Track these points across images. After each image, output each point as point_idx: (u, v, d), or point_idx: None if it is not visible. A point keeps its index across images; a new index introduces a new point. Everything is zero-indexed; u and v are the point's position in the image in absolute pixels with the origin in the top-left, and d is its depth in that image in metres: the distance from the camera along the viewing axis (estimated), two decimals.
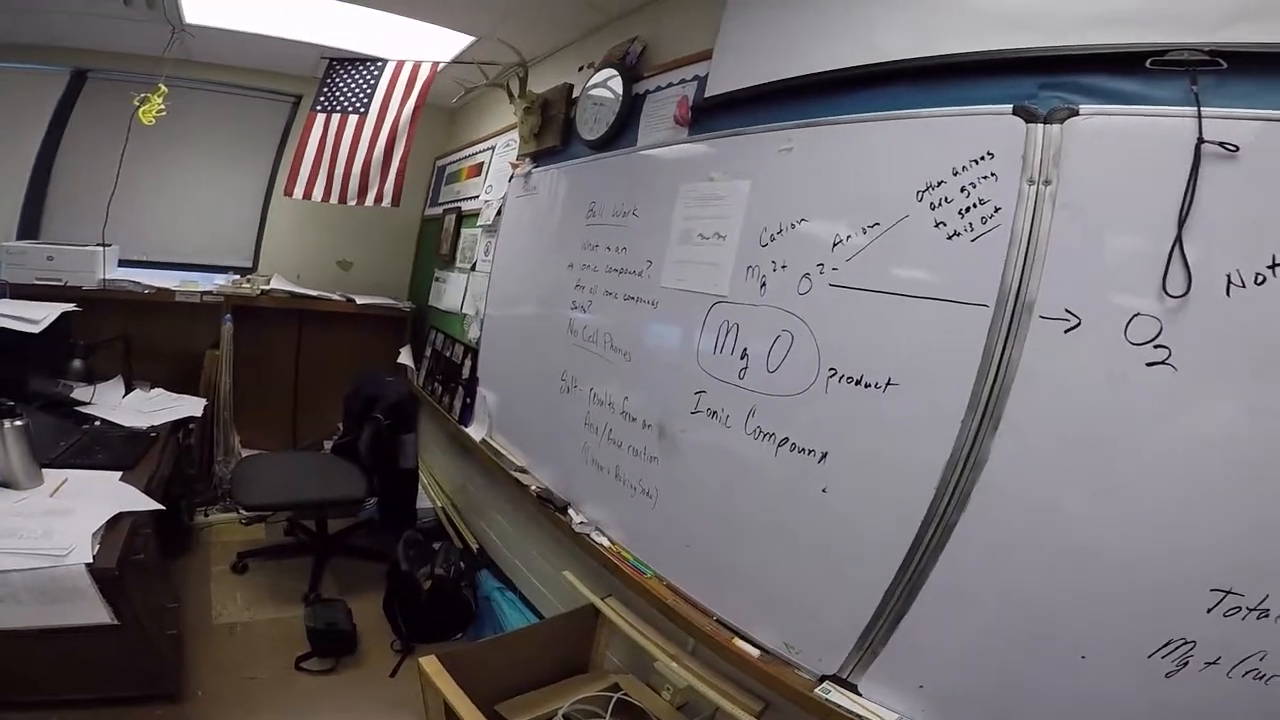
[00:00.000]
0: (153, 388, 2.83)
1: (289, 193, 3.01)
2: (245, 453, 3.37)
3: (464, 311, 3.08)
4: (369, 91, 2.85)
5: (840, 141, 1.33)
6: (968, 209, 1.09)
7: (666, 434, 1.66)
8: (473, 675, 1.37)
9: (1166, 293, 0.90)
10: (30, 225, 3.29)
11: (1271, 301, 0.83)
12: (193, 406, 2.71)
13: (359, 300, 3.58)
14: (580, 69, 2.37)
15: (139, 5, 2.51)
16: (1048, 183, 1.01)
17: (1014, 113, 1.05)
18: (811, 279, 1.33)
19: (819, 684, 1.25)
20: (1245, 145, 0.86)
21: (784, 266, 1.39)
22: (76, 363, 2.57)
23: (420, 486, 3.13)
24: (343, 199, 2.98)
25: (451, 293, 3.29)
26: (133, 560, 1.65)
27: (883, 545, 1.17)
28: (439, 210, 3.66)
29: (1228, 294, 0.86)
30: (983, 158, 1.08)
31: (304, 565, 2.71)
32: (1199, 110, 0.89)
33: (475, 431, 2.74)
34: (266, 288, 3.39)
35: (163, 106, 2.74)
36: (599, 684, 1.60)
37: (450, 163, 3.75)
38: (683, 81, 1.81)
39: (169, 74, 2.78)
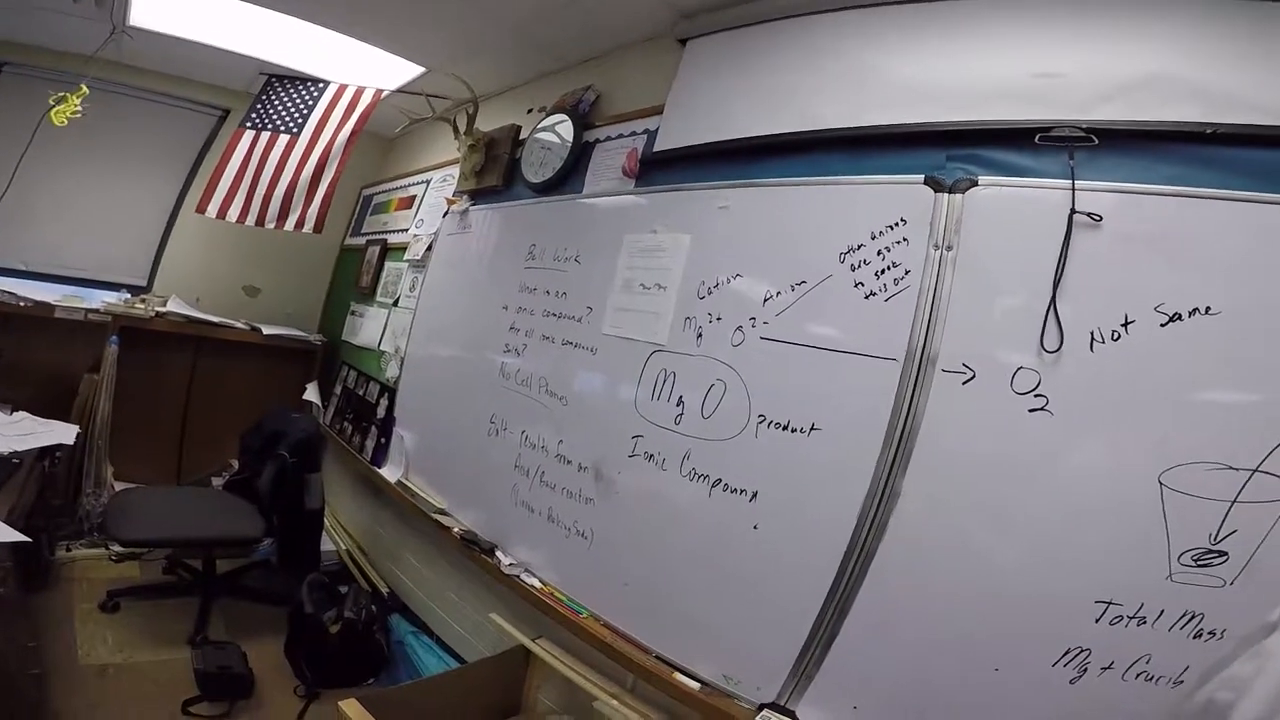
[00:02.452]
0: (14, 411, 2.51)
1: (202, 210, 2.84)
2: (119, 487, 3.01)
3: (382, 349, 2.98)
4: (305, 113, 2.78)
5: (773, 203, 1.46)
6: (883, 270, 1.23)
7: (603, 476, 1.69)
8: (396, 718, 1.29)
9: (1044, 348, 1.07)
10: None
11: (1126, 355, 1.01)
12: (62, 433, 2.42)
13: (265, 330, 3.36)
14: (529, 111, 2.43)
15: (86, 1, 2.35)
16: (950, 247, 1.17)
17: (925, 182, 1.22)
18: (744, 331, 1.44)
19: (759, 713, 1.28)
20: (1107, 214, 1.04)
21: (719, 319, 1.49)
22: None
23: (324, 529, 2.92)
24: (260, 221, 2.84)
25: (369, 328, 3.18)
26: None
27: (811, 575, 1.25)
28: (361, 240, 3.56)
29: (1091, 349, 1.03)
30: (897, 224, 1.23)
31: (187, 606, 2.44)
32: (1073, 182, 1.06)
33: (390, 473, 2.63)
34: (162, 310, 3.12)
35: (79, 108, 2.53)
36: None
37: (379, 193, 3.67)
38: (633, 134, 1.90)
39: (95, 75, 2.59)
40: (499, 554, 1.98)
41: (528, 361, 2.01)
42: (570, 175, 2.08)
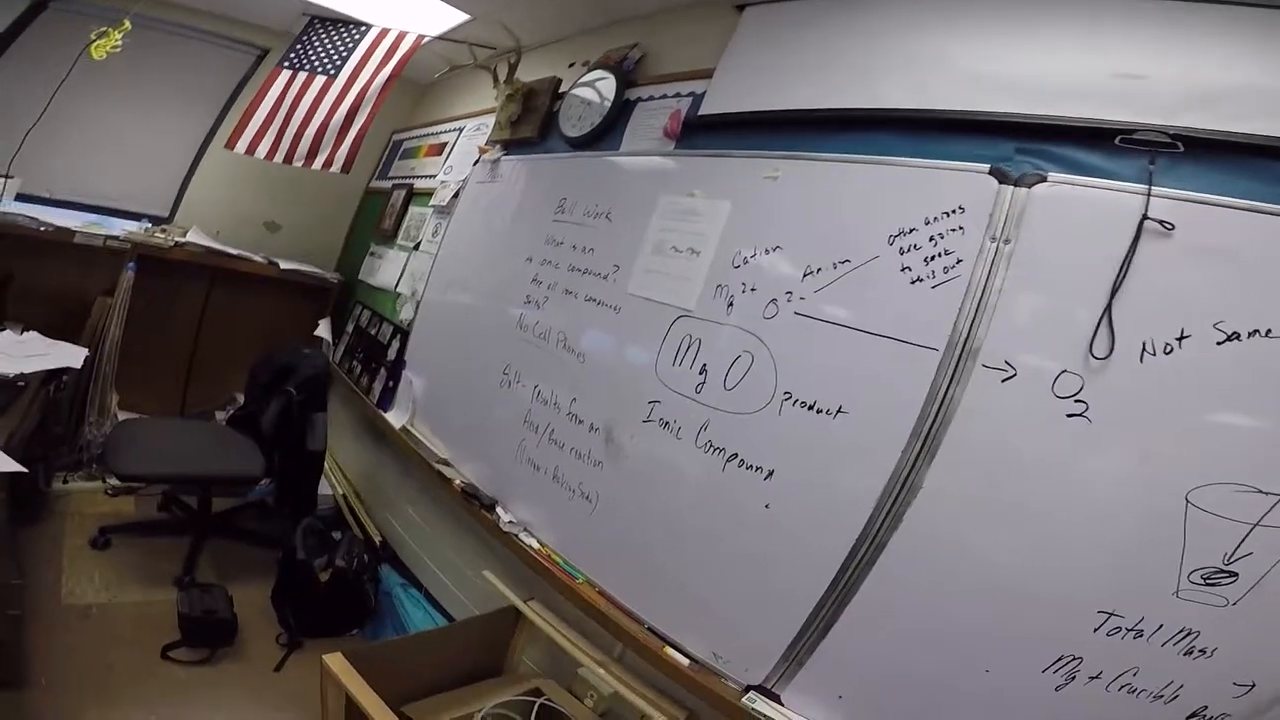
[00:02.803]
0: (25, 330, 2.49)
1: (232, 145, 2.81)
2: (123, 416, 3.01)
3: (399, 290, 2.95)
4: (344, 55, 2.75)
5: (825, 177, 1.41)
6: (933, 257, 1.19)
7: (614, 439, 1.66)
8: (380, 674, 1.30)
9: (1092, 354, 1.03)
10: None
11: (1176, 369, 0.97)
12: (71, 356, 2.38)
13: (282, 265, 3.33)
14: (570, 65, 2.38)
15: None
16: (1007, 241, 1.13)
17: (990, 172, 1.17)
18: (779, 305, 1.40)
19: (744, 694, 1.28)
20: (1180, 224, 1.00)
21: (753, 289, 1.45)
22: None
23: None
24: (289, 159, 2.81)
25: (387, 270, 3.15)
26: None
27: (818, 561, 1.23)
28: (388, 184, 3.52)
29: (1141, 360, 1.00)
30: (954, 211, 1.19)
31: (178, 546, 2.41)
32: (1150, 188, 1.02)
33: (395, 418, 2.61)
34: (181, 240, 3.09)
35: (118, 43, 2.48)
36: (517, 688, 1.56)
37: (409, 138, 3.62)
38: (677, 96, 1.86)
39: (139, 10, 2.54)
40: (499, 510, 1.96)
41: (547, 315, 1.98)
42: (608, 132, 2.03)
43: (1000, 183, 1.16)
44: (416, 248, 2.95)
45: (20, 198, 2.86)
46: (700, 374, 1.49)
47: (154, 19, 2.95)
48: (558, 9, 2.39)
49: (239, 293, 3.39)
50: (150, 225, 3.16)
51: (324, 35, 2.77)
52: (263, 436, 2.59)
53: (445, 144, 3.13)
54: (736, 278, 1.48)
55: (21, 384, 2.01)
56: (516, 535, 1.86)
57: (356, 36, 2.73)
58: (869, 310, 1.27)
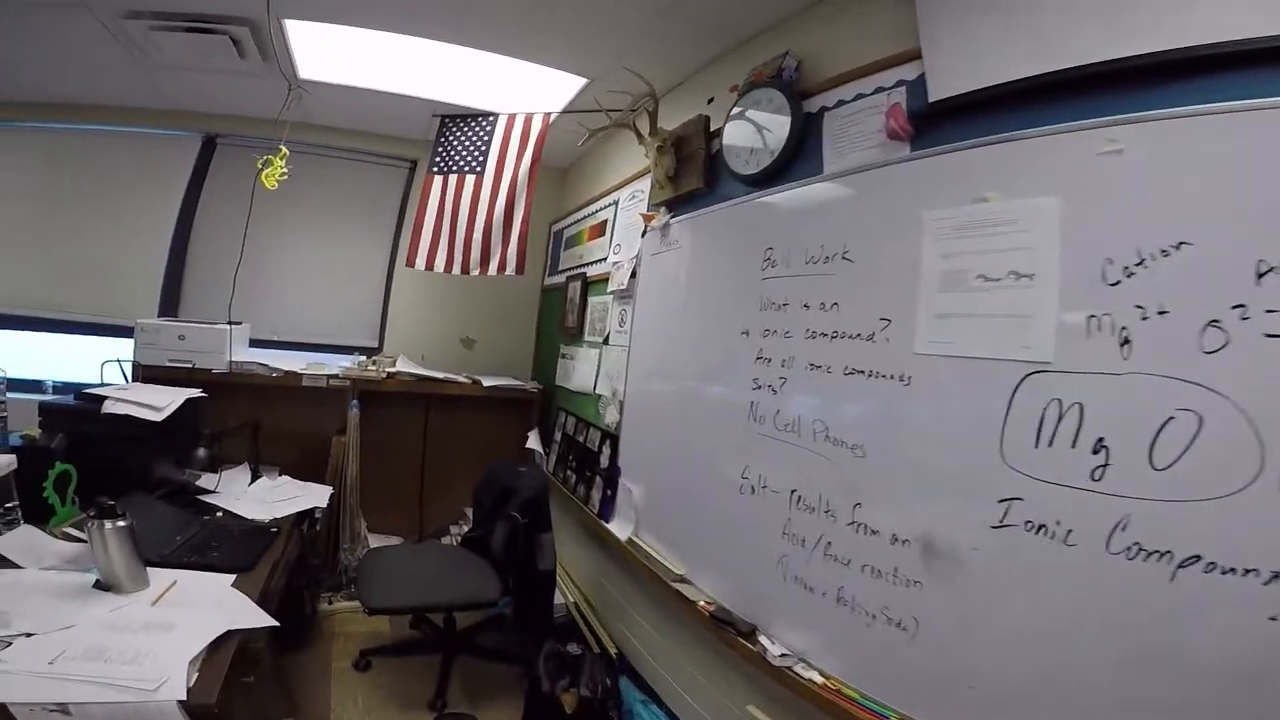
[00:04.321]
0: (281, 474, 2.71)
1: (410, 263, 2.89)
2: (372, 539, 3.21)
3: (598, 392, 2.74)
4: (483, 150, 2.76)
5: (1213, 135, 0.88)
6: None
7: (940, 554, 1.18)
8: None
9: None
10: (170, 301, 3.38)
11: None
12: (318, 496, 2.53)
13: (485, 382, 3.36)
14: (711, 101, 2.09)
15: (254, 57, 2.49)
16: None
17: None
18: (1225, 328, 0.84)
19: None
20: None
21: (1163, 312, 0.90)
22: (201, 451, 2.43)
23: None
24: (465, 269, 2.83)
25: (582, 370, 2.98)
26: (240, 684, 1.40)
27: None
28: (560, 278, 3.44)
29: None
30: None
31: (430, 664, 2.47)
32: None
33: (618, 529, 2.35)
34: (392, 370, 3.25)
35: (285, 170, 2.70)
36: None
37: (567, 226, 3.54)
38: (878, 91, 1.44)
39: (288, 138, 2.76)
40: (763, 639, 1.58)
41: (790, 400, 1.56)
42: (795, 158, 1.66)
43: None
44: (606, 341, 2.74)
45: (251, 343, 3.16)
46: (1096, 453, 0.96)
47: (304, 143, 3.19)
48: (678, 40, 2.13)
49: (452, 413, 3.49)
50: (364, 358, 3.34)
51: (459, 134, 2.80)
52: (494, 557, 2.54)
53: (605, 221, 2.96)
54: (1121, 300, 0.95)
55: (275, 529, 2.10)
56: (791, 669, 1.47)
57: (488, 128, 2.74)
58: None
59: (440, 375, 3.30)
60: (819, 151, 1.58)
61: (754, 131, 1.77)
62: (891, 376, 1.28)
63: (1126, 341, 0.93)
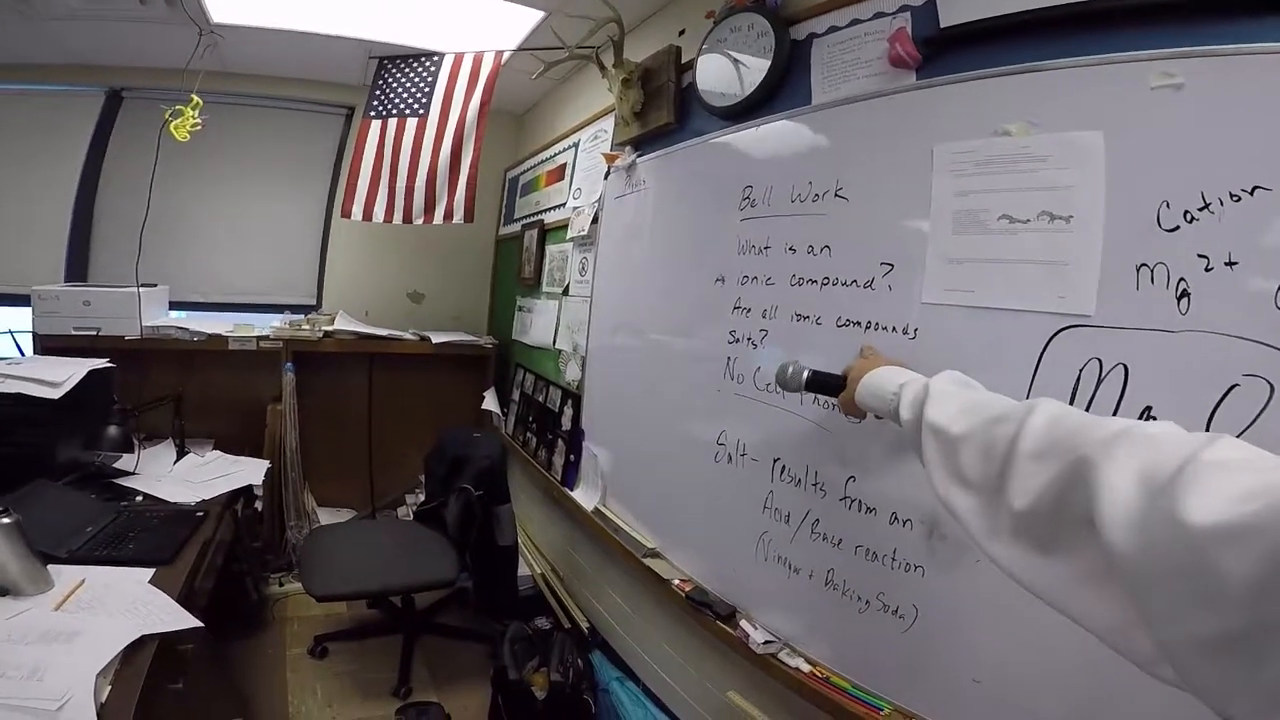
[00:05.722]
0: (214, 449, 2.47)
1: (346, 214, 2.66)
2: (323, 513, 3.04)
3: (559, 347, 2.54)
4: (427, 91, 2.50)
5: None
6: None
7: (947, 536, 1.05)
8: None
9: None
10: (77, 266, 3.03)
11: None
12: (252, 473, 2.30)
13: (435, 339, 3.12)
14: (682, 33, 1.88)
15: (157, 3, 2.16)
16: None
17: None
18: None
19: None
20: None
21: (1232, 263, 0.75)
22: (113, 429, 2.13)
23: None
24: (407, 217, 2.60)
25: (540, 324, 2.77)
26: (168, 691, 1.29)
27: None
28: (516, 227, 3.17)
29: None
30: None
31: (390, 645, 2.37)
32: None
33: (583, 497, 2.20)
34: (329, 329, 2.96)
35: (197, 120, 2.42)
36: None
37: (523, 172, 3.26)
38: (878, 16, 1.24)
39: (204, 88, 2.47)
40: (744, 623, 1.46)
41: (774, 355, 1.39)
42: (779, 88, 1.47)
43: None
44: (565, 292, 2.53)
45: (174, 305, 2.92)
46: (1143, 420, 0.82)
47: (224, 94, 2.90)
48: None
49: (400, 373, 3.25)
50: (298, 317, 3.06)
51: (399, 75, 2.56)
52: (450, 532, 2.38)
53: (564, 165, 2.70)
54: (1178, 248, 0.79)
55: (201, 514, 1.89)
56: (774, 655, 1.37)
57: (432, 68, 2.51)
58: None
59: (384, 333, 3.04)
60: (806, 82, 1.39)
61: (732, 62, 1.56)
62: (894, 329, 1.12)
63: (1185, 294, 0.78)
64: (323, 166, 3.36)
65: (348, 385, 3.21)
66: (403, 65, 2.54)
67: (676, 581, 1.66)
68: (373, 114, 2.56)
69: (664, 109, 1.87)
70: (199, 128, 2.44)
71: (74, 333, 2.48)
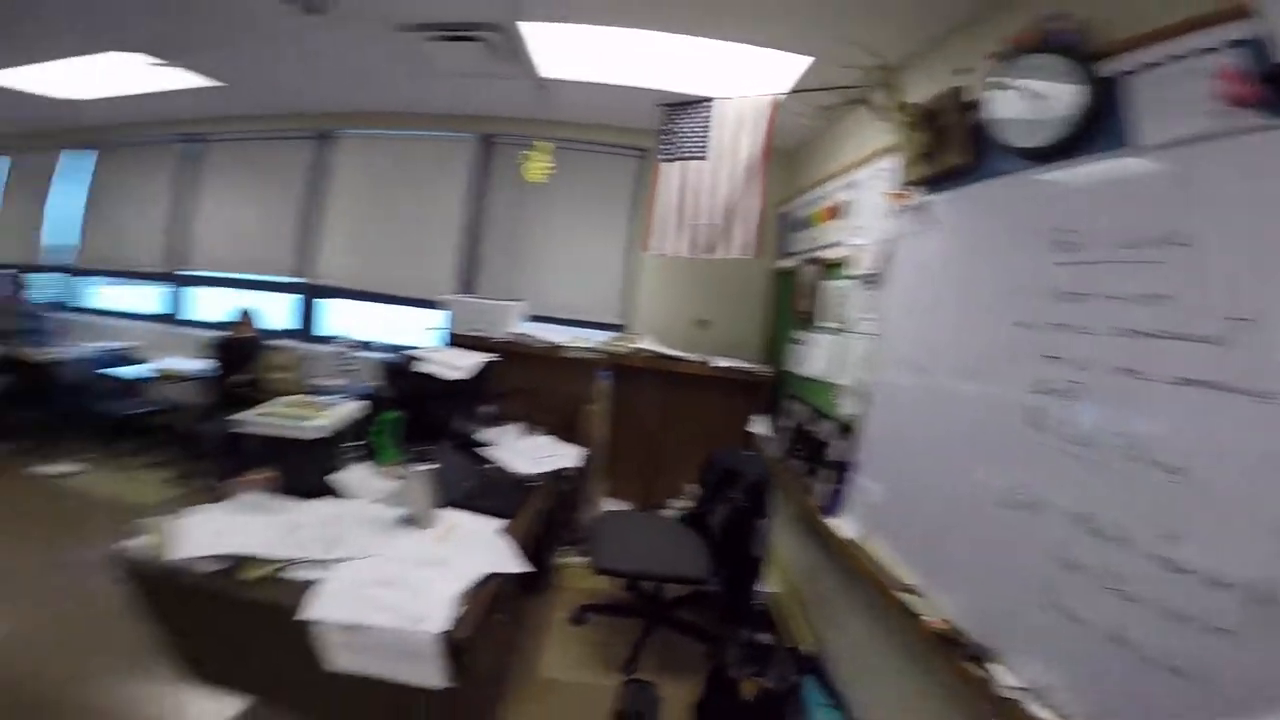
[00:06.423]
0: (548, 434, 3.03)
1: (645, 248, 3.07)
2: (607, 503, 3.50)
3: (833, 381, 2.63)
4: (704, 134, 2.84)
5: None
6: None
7: (1275, 600, 0.93)
8: None
9: None
10: (467, 279, 4.27)
11: None
12: (574, 456, 2.79)
13: (713, 362, 3.46)
14: (965, 72, 1.89)
15: (508, 60, 2.88)
16: None
17: None
18: None
19: None
20: None
21: None
22: (490, 409, 2.88)
23: None
24: (700, 252, 2.92)
25: (814, 357, 2.88)
26: (491, 622, 1.57)
27: None
28: (791, 262, 3.36)
29: None
30: None
31: (632, 627, 2.69)
32: None
33: (847, 528, 2.25)
34: (638, 347, 3.52)
35: (550, 164, 3.08)
36: None
37: (795, 209, 3.43)
38: (1193, 53, 1.18)
39: (534, 132, 3.23)
40: (993, 667, 1.43)
41: (1088, 408, 1.33)
42: (1087, 128, 1.42)
43: None
44: (845, 328, 2.60)
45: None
46: None
47: (553, 139, 3.58)
48: (908, 18, 2.03)
49: (685, 392, 3.61)
50: (615, 334, 3.74)
51: (681, 121, 2.88)
52: (710, 537, 2.63)
53: (841, 203, 2.80)
54: None
55: (534, 485, 2.37)
56: (1020, 703, 1.33)
57: (705, 114, 2.80)
58: None
59: (671, 353, 3.49)
60: (1117, 122, 1.34)
61: (1030, 102, 1.55)
62: (1246, 391, 1.01)
63: None
64: (623, 202, 4.06)
65: (642, 397, 3.68)
66: (683, 111, 2.89)
67: (928, 618, 1.66)
68: (662, 156, 2.94)
69: (955, 149, 1.88)
70: (553, 170, 3.09)
71: (470, 333, 3.43)
